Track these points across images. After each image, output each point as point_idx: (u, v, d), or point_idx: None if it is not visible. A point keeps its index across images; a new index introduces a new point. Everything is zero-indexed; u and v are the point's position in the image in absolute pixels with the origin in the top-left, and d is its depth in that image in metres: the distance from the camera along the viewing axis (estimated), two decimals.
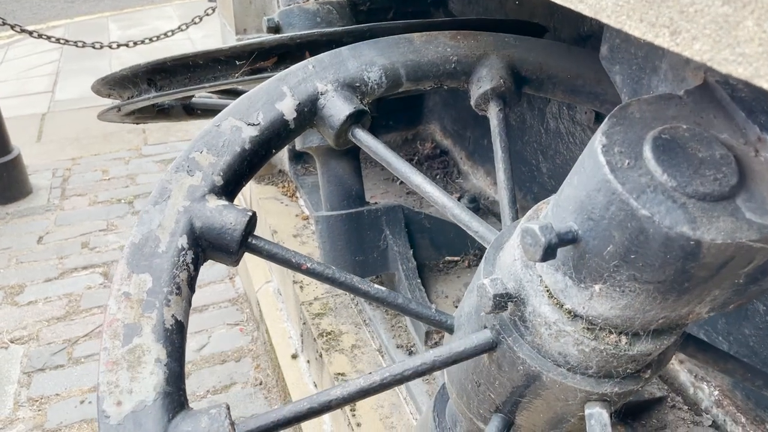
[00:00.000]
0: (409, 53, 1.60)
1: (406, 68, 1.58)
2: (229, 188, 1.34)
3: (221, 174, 1.32)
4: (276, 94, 1.45)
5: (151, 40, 4.46)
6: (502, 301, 1.05)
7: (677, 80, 1.05)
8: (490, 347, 1.14)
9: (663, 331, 1.01)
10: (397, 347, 2.36)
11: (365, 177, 2.80)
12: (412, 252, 2.42)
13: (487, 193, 3.14)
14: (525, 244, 0.92)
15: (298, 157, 3.50)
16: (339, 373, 2.36)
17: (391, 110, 3.52)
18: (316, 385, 2.64)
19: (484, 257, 1.21)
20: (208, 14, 4.46)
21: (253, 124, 1.40)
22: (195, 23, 4.52)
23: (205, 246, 1.26)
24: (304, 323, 2.66)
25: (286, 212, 3.28)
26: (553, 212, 0.99)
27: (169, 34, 4.50)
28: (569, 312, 1.01)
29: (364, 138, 1.49)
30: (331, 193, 2.41)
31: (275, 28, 2.35)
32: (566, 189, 0.96)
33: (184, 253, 1.21)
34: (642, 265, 0.87)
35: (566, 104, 2.52)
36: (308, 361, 2.72)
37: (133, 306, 1.13)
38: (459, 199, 3.09)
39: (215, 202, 1.28)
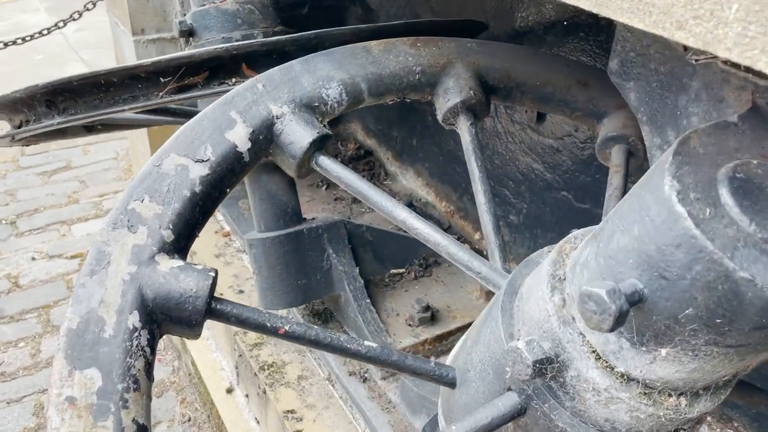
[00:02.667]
0: (368, 65, 1.41)
1: (368, 82, 1.39)
2: (181, 243, 1.10)
3: (171, 227, 1.08)
4: (224, 122, 1.22)
5: (24, 39, 3.94)
6: (543, 367, 0.90)
7: (713, 101, 0.93)
8: (517, 413, 0.99)
9: (724, 386, 0.91)
10: (350, 375, 2.18)
11: None
12: (358, 270, 2.24)
13: (419, 194, 3.00)
14: (587, 310, 0.77)
15: None
16: (288, 411, 2.15)
17: None
18: (258, 422, 2.42)
19: (496, 305, 1.06)
20: (88, 9, 3.99)
21: (202, 161, 1.16)
22: (74, 19, 4.04)
23: (161, 320, 1.03)
24: (240, 355, 2.42)
25: (204, 229, 2.98)
26: (600, 265, 0.85)
27: (44, 32, 4.00)
28: (622, 376, 0.88)
29: (330, 167, 1.29)
30: (265, 211, 2.18)
31: (188, 32, 2.07)
32: (620, 238, 0.82)
33: (137, 334, 0.97)
34: (729, 329, 0.75)
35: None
36: (247, 396, 2.48)
37: (81, 414, 0.89)
38: None
39: (168, 264, 1.04)
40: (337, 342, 1.12)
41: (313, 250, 2.19)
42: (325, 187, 3.13)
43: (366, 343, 1.14)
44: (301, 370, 2.28)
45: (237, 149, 1.21)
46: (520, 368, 0.90)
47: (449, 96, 1.44)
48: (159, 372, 3.20)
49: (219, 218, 3.06)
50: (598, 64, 1.96)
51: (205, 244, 2.87)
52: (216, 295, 1.08)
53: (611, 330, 0.76)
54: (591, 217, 2.18)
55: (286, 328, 1.09)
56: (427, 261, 2.48)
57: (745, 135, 0.83)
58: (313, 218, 2.28)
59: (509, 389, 1.00)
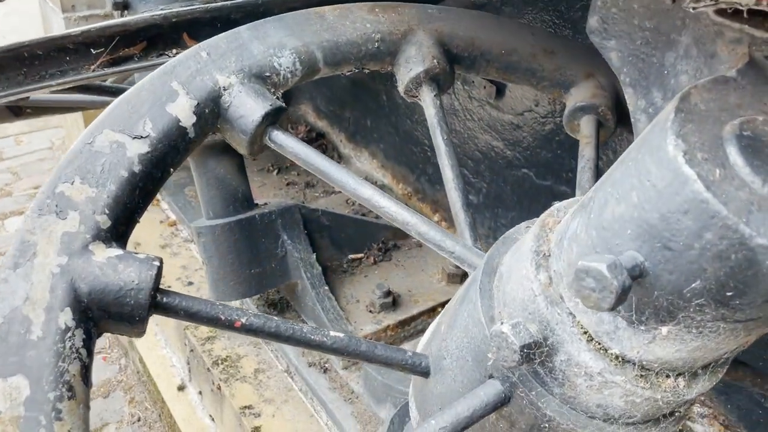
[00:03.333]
0: (323, 32, 1.29)
1: (323, 50, 1.27)
2: (119, 230, 0.98)
3: (107, 211, 0.96)
4: (165, 94, 1.09)
5: None
6: (531, 352, 0.82)
7: (705, 56, 0.86)
8: (501, 402, 0.91)
9: (722, 365, 0.84)
10: (309, 366, 2.08)
11: None
12: (314, 256, 2.13)
13: (374, 177, 2.90)
14: (584, 288, 0.69)
15: None
16: (245, 406, 2.03)
17: None
18: (213, 419, 2.29)
19: (473, 286, 0.97)
20: None
21: (141, 137, 1.04)
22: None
23: (99, 317, 0.91)
24: (192, 350, 2.29)
25: (147, 219, 2.81)
26: (592, 237, 0.77)
27: None
28: (617, 358, 0.81)
29: (286, 142, 1.17)
30: (213, 197, 2.04)
31: (123, 4, 1.90)
32: (616, 207, 0.74)
33: (70, 335, 0.85)
34: (740, 303, 0.68)
35: (461, 79, 2.34)
36: (200, 393, 2.35)
37: (6, 429, 0.76)
38: None
39: (105, 254, 0.92)
40: (299, 334, 1.01)
41: (266, 237, 2.07)
42: (276, 171, 3.00)
43: (332, 333, 1.04)
44: (258, 363, 2.17)
45: (180, 124, 1.08)
46: (506, 354, 0.82)
47: (411, 65, 1.35)
48: (105, 371, 3.03)
49: (164, 207, 2.90)
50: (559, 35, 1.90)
51: (149, 234, 2.70)
52: (162, 287, 0.96)
53: (612, 308, 0.68)
54: (553, 194, 2.12)
55: (243, 320, 0.98)
56: (387, 245, 2.39)
57: (746, 90, 0.77)
58: (266, 203, 2.15)
59: (491, 377, 0.92)
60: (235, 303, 2.34)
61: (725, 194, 0.64)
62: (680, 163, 0.66)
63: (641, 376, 0.81)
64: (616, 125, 1.44)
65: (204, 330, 2.29)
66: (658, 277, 0.70)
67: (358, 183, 1.12)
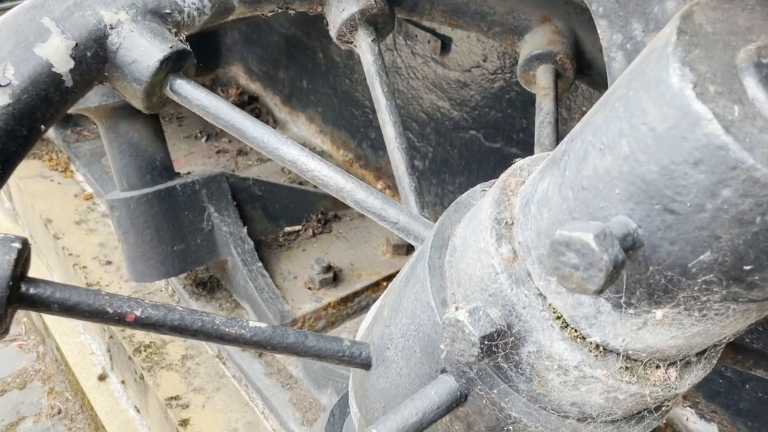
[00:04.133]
0: None
1: None
2: None
3: None
4: (33, 32, 0.87)
5: None
6: (493, 344, 0.66)
7: None
8: (456, 402, 0.75)
9: (716, 349, 0.71)
10: (243, 350, 1.90)
11: None
12: (245, 230, 1.93)
13: (313, 143, 2.70)
14: (564, 265, 0.53)
15: (66, 118, 2.73)
16: (171, 398, 1.83)
17: None
18: (138, 411, 2.09)
19: (420, 262, 0.81)
20: None
21: (1, 86, 0.82)
22: None
23: None
24: (111, 336, 2.06)
25: (60, 193, 2.54)
26: (568, 200, 0.61)
27: None
28: (597, 348, 0.66)
29: (191, 93, 0.97)
30: (127, 166, 1.81)
31: None
32: (599, 161, 0.58)
33: None
34: (759, 279, 0.53)
35: (403, 33, 2.15)
36: (123, 382, 2.14)
37: None
38: None
39: None
40: (211, 326, 0.83)
41: (189, 210, 1.85)
42: (205, 138, 2.76)
43: (251, 324, 0.86)
44: (186, 349, 1.97)
45: (53, 70, 0.86)
46: (462, 347, 0.66)
47: (344, 5, 1.15)
48: (20, 360, 2.76)
49: (79, 179, 2.62)
50: None
51: (62, 209, 2.44)
52: (35, 276, 0.75)
53: (601, 291, 0.52)
54: (503, 156, 1.97)
55: (137, 313, 0.79)
56: (326, 216, 2.21)
57: (755, 11, 0.61)
58: (189, 172, 1.93)
59: (443, 371, 0.76)
60: (160, 283, 2.12)
61: (749, 138, 0.48)
62: (689, 98, 0.50)
63: (626, 368, 0.66)
64: (575, 76, 1.29)
65: None
66: (656, 248, 0.55)
67: (281, 141, 0.93)
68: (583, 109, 1.69)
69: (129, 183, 1.81)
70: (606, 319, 0.63)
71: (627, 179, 0.55)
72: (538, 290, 0.67)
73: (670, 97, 0.51)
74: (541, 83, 1.24)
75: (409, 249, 2.09)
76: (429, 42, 2.06)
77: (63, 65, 0.87)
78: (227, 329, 0.84)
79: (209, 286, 2.06)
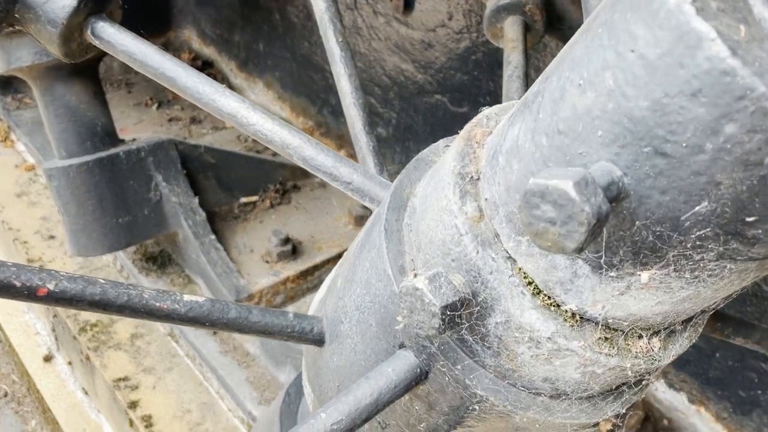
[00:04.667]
0: None
1: None
2: None
3: None
4: None
5: None
6: (456, 314, 0.58)
7: None
8: (416, 380, 0.67)
9: (704, 315, 0.63)
10: (196, 328, 1.79)
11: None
12: (197, 200, 1.82)
13: (271, 110, 2.58)
14: (539, 220, 0.44)
15: (6, 84, 2.55)
16: (120, 378, 1.73)
17: (124, 12, 2.70)
18: (87, 393, 1.97)
19: (376, 226, 0.72)
20: None
21: None
22: None
23: None
24: (55, 315, 1.94)
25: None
26: (542, 146, 0.52)
27: None
28: (574, 317, 0.58)
29: (115, 38, 0.85)
30: (65, 132, 1.67)
31: None
32: (578, 99, 0.49)
33: None
34: (762, 232, 0.45)
35: None
36: (70, 363, 2.02)
37: None
38: None
39: None
40: (138, 300, 0.73)
41: (135, 179, 1.73)
42: (156, 105, 2.61)
43: (186, 297, 0.76)
44: (135, 327, 1.86)
45: None
46: (422, 319, 0.57)
47: None
48: None
49: (20, 149, 2.46)
50: None
51: (1, 181, 2.28)
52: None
53: (581, 250, 0.44)
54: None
55: (50, 286, 0.69)
56: (285, 186, 2.10)
57: None
58: (133, 139, 1.80)
59: (401, 346, 0.68)
60: (108, 257, 2.00)
61: (758, 62, 0.40)
62: (688, 15, 0.41)
63: (605, 339, 0.59)
64: (545, 29, 1.20)
65: None
66: (644, 199, 0.47)
67: (219, 91, 0.82)
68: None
69: (68, 150, 1.67)
70: (584, 283, 0.55)
71: (611, 118, 0.47)
72: (507, 253, 0.58)
73: (665, 15, 0.42)
74: (509, 36, 1.15)
75: None
76: (392, 0, 1.95)
77: None
78: (158, 304, 0.74)
79: (160, 260, 1.94)
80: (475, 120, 0.67)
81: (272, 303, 1.81)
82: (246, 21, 2.55)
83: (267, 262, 1.85)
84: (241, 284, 1.75)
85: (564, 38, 1.24)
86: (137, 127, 2.49)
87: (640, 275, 0.52)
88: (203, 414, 1.67)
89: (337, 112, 2.33)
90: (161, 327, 1.86)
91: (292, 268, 1.84)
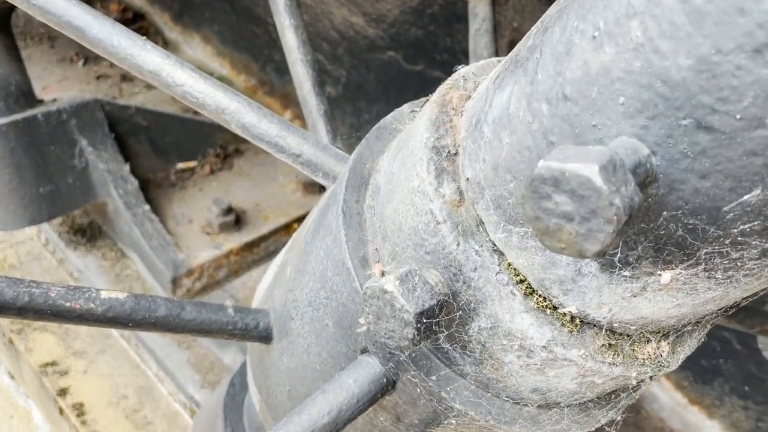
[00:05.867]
0: None
1: None
2: None
3: None
4: None
5: None
6: (432, 321, 0.47)
7: None
8: (381, 391, 0.57)
9: (719, 313, 0.55)
10: None
11: (27, 60, 1.83)
12: (128, 167, 1.65)
13: (210, 67, 2.39)
14: (552, 215, 0.34)
15: None
16: (48, 363, 1.58)
17: None
18: (13, 377, 1.82)
19: (332, 208, 0.61)
20: None
21: None
22: None
23: None
24: None
25: None
26: (541, 116, 0.42)
27: None
28: (573, 321, 0.48)
29: None
30: None
31: None
32: (593, 55, 0.39)
33: None
34: None
35: None
36: None
37: None
38: None
39: None
40: (43, 300, 0.60)
41: (56, 144, 1.55)
42: (82, 61, 2.39)
43: (105, 294, 0.64)
44: None
45: None
46: (392, 327, 0.47)
47: None
48: None
49: None
50: None
51: None
52: None
53: (604, 254, 0.34)
54: (425, 80, 1.77)
55: None
56: (226, 150, 1.95)
57: None
58: (54, 99, 1.62)
59: (364, 351, 0.58)
60: (31, 230, 1.82)
61: None
62: None
63: (609, 345, 0.50)
64: None
65: None
66: (676, 184, 0.37)
67: (139, 45, 0.68)
68: (514, 24, 1.50)
69: None
70: (588, 283, 0.45)
71: (638, 81, 0.36)
72: (494, 245, 0.48)
73: None
74: None
75: (322, 187, 1.88)
76: None
77: None
78: (69, 304, 0.62)
79: (89, 233, 1.78)
80: (449, 81, 0.56)
81: (214, 278, 1.68)
82: None
83: (208, 233, 1.71)
84: (179, 258, 1.62)
85: None
86: (61, 85, 2.27)
87: (660, 275, 0.42)
88: (141, 399, 1.55)
89: (282, 69, 2.17)
90: None
91: (235, 240, 1.71)
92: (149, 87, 2.32)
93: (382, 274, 0.49)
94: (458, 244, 0.48)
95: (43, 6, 0.68)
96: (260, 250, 1.76)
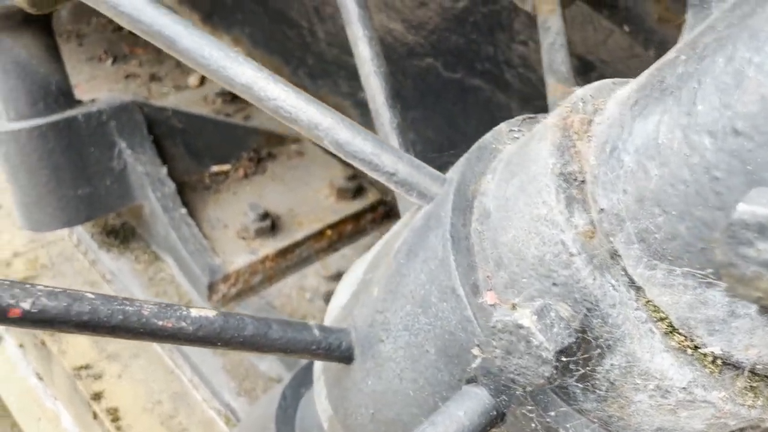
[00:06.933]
0: None
1: None
2: None
3: None
4: None
5: None
6: (572, 360, 0.45)
7: None
8: (490, 423, 0.55)
9: None
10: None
11: None
12: (165, 170, 1.64)
13: None
14: (751, 262, 0.32)
15: None
16: (81, 366, 1.56)
17: None
18: (41, 378, 1.80)
19: (436, 230, 0.59)
20: None
21: None
22: None
23: None
24: None
25: None
26: (701, 148, 0.40)
27: None
28: (714, 362, 0.46)
29: None
30: (14, 90, 1.46)
31: None
32: (759, 86, 0.37)
33: None
34: None
35: None
36: (21, 346, 1.83)
37: None
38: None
39: None
40: (137, 318, 0.59)
41: (96, 146, 1.53)
42: (111, 60, 2.37)
43: (195, 312, 0.62)
44: None
45: None
46: (526, 364, 0.45)
47: None
48: None
49: None
50: None
51: None
52: None
53: None
54: (464, 88, 1.75)
55: (26, 305, 0.54)
56: (260, 154, 1.93)
57: None
58: (93, 100, 1.60)
59: (470, 381, 0.56)
60: (62, 232, 1.80)
61: None
62: None
63: (750, 388, 0.48)
64: None
65: (19, 265, 1.74)
66: None
67: (231, 57, 0.66)
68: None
69: (17, 111, 1.46)
70: (741, 325, 0.43)
71: None
72: (631, 280, 0.46)
73: None
74: None
75: (356, 192, 1.86)
76: None
77: None
78: (161, 322, 0.60)
79: (122, 234, 1.76)
80: (567, 104, 0.54)
81: (249, 283, 1.66)
82: None
83: (243, 238, 1.70)
84: (216, 263, 1.60)
85: (597, 3, 1.11)
86: (90, 85, 2.25)
87: None
88: (175, 405, 1.53)
89: (315, 74, 2.16)
90: None
91: (271, 246, 1.69)
92: (178, 87, 2.31)
93: (513, 307, 0.47)
94: (594, 279, 0.46)
95: (132, 15, 0.67)
96: (294, 256, 1.74)
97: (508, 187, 0.54)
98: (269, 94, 0.66)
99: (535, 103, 1.61)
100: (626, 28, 1.09)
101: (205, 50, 0.66)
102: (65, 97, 1.52)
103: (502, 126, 0.64)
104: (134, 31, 0.68)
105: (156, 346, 1.63)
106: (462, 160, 0.62)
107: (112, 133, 1.55)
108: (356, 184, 1.86)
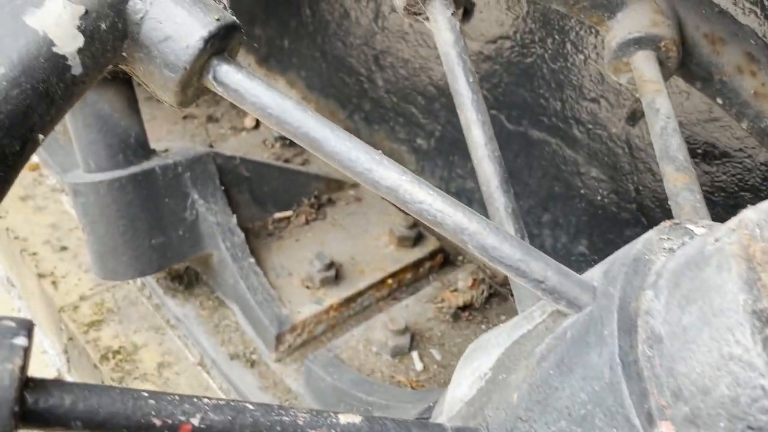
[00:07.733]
0: None
1: None
2: None
3: None
4: None
5: None
6: None
7: None
8: None
9: None
10: (231, 358, 1.64)
11: None
12: (235, 219, 1.66)
13: None
14: None
15: None
16: None
17: None
18: None
19: (595, 348, 0.59)
20: None
21: None
22: None
23: None
24: (71, 338, 1.77)
25: None
26: None
27: None
28: None
29: (244, 85, 0.70)
30: (95, 143, 1.49)
31: None
32: None
33: None
34: None
35: None
36: None
37: None
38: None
39: None
40: (293, 429, 0.59)
41: (171, 197, 1.56)
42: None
43: (343, 419, 0.63)
44: (162, 355, 1.69)
45: (54, 50, 0.58)
46: None
47: None
48: None
49: None
50: None
51: None
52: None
53: None
54: (528, 142, 1.76)
55: (195, 421, 0.55)
56: (320, 200, 1.95)
57: None
58: (166, 150, 1.63)
59: None
60: (137, 282, 1.82)
61: None
62: None
63: None
64: (677, 67, 1.07)
65: (86, 310, 1.76)
66: None
67: (375, 160, 0.67)
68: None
69: (97, 163, 1.49)
70: None
71: None
72: None
73: None
74: (645, 75, 1.02)
75: (416, 240, 1.87)
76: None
77: (68, 42, 0.58)
78: (313, 431, 0.60)
79: (186, 279, 1.78)
80: (743, 230, 0.54)
81: (313, 333, 1.67)
82: (270, 14, 2.36)
83: (308, 287, 1.71)
84: (284, 314, 1.61)
85: (689, 75, 1.12)
86: (149, 125, 2.27)
87: None
88: None
89: (371, 119, 2.18)
90: (190, 355, 1.70)
91: (335, 295, 1.70)
92: (234, 129, 2.34)
93: None
94: None
95: (279, 115, 0.68)
96: (356, 305, 1.75)
97: (684, 314, 0.53)
98: (414, 197, 0.67)
99: (603, 159, 1.62)
100: (719, 101, 1.10)
101: (351, 153, 0.68)
102: (142, 148, 1.55)
103: (652, 234, 0.64)
104: (282, 132, 0.69)
105: (222, 395, 1.64)
106: (616, 273, 0.62)
107: (186, 184, 1.58)
108: (416, 232, 1.86)
